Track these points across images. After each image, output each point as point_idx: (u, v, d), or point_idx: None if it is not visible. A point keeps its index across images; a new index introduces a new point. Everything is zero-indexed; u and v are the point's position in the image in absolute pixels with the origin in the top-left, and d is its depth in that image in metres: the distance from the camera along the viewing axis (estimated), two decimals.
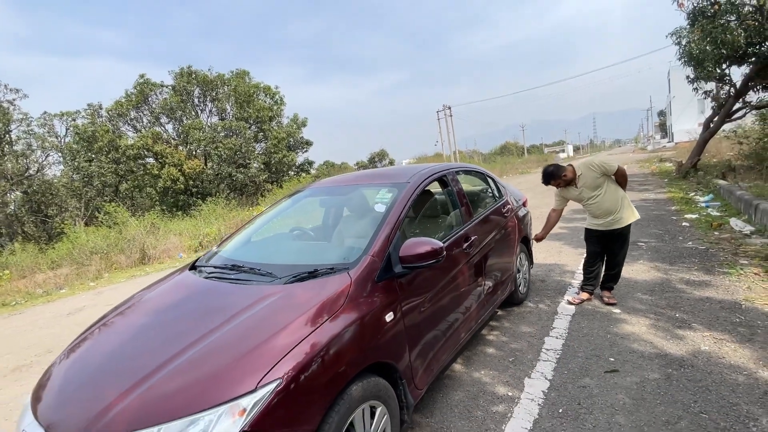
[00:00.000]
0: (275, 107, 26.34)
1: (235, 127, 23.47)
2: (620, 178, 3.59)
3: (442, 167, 3.04)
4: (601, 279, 3.85)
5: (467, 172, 3.47)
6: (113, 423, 1.31)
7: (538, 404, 2.38)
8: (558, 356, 2.91)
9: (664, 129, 60.75)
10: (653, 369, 2.59)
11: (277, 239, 2.88)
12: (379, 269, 1.95)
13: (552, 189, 3.84)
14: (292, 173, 26.91)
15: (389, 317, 1.90)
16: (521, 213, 4.06)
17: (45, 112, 21.84)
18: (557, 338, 3.16)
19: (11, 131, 19.27)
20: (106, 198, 21.08)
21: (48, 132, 21.34)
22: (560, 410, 2.30)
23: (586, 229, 3.82)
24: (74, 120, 22.95)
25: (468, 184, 3.31)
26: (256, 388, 1.36)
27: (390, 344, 1.89)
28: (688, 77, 11.92)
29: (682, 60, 10.82)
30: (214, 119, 25.56)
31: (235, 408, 1.32)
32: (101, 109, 23.43)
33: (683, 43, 10.53)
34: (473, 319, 2.81)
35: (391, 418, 1.89)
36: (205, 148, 22.35)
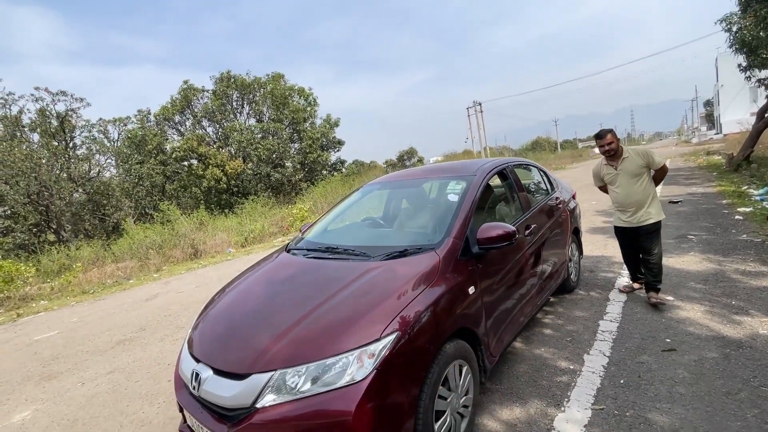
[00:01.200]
0: (309, 108, 27.12)
1: (272, 128, 24.41)
2: (660, 174, 3.61)
3: (502, 161, 3.29)
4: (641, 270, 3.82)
5: (524, 166, 3.69)
6: (272, 360, 1.68)
7: (600, 376, 2.60)
8: (614, 337, 3.10)
9: (711, 120, 57.27)
10: (711, 349, 2.74)
11: (354, 227, 3.24)
12: (461, 249, 2.25)
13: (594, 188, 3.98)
14: (326, 172, 27.63)
15: (471, 290, 2.19)
16: (572, 205, 4.23)
17: (101, 119, 23.64)
18: (612, 321, 3.33)
19: (75, 137, 21.00)
20: (154, 198, 22.55)
21: (105, 137, 23.07)
22: (621, 381, 2.51)
23: (615, 228, 3.82)
24: (125, 125, 24.67)
25: (523, 178, 3.53)
26: (380, 337, 1.69)
27: (472, 313, 2.18)
28: (740, 65, 11.40)
29: (734, 47, 10.40)
30: (252, 121, 26.67)
31: (364, 353, 1.66)
32: (150, 114, 25.03)
33: (734, 29, 10.13)
34: (534, 300, 3.06)
35: (474, 377, 2.18)
36: (245, 150, 23.40)
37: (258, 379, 1.65)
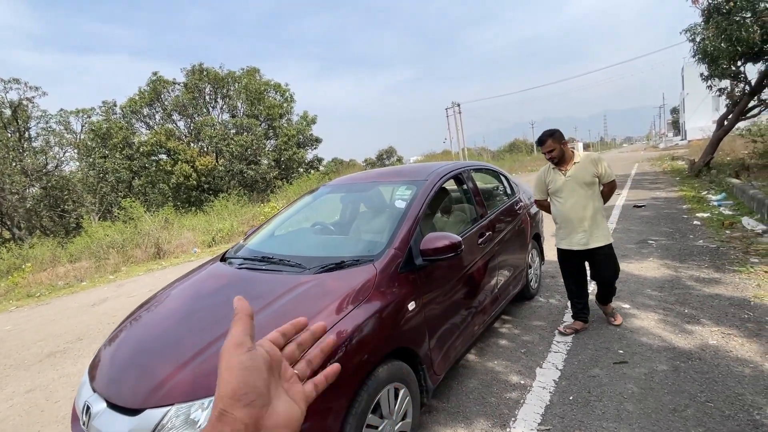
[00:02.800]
0: (285, 105, 26.56)
1: (246, 124, 23.75)
2: (609, 191, 3.09)
3: (458, 165, 3.15)
4: (589, 303, 3.31)
5: (481, 170, 3.58)
6: (169, 393, 1.47)
7: (550, 392, 2.50)
8: (568, 348, 3.02)
9: (677, 126, 59.85)
10: (661, 361, 2.69)
11: (301, 233, 3.03)
12: (402, 261, 2.09)
13: None
14: (302, 170, 27.16)
15: (411, 306, 2.03)
16: (533, 210, 4.15)
17: (61, 110, 22.35)
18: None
19: (30, 128, 19.77)
20: (120, 194, 21.54)
21: (65, 129, 21.84)
22: (571, 397, 2.42)
23: (560, 251, 3.21)
24: (89, 117, 23.45)
25: (482, 182, 3.42)
26: None
27: (412, 331, 2.02)
28: (702, 74, 11.80)
29: (697, 57, 10.74)
30: (225, 116, 25.89)
31: None
32: (116, 106, 23.88)
33: (698, 40, 10.45)
34: (487, 311, 2.93)
35: (413, 400, 2.03)
36: (217, 145, 22.67)
37: (151, 416, 1.43)
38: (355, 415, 1.62)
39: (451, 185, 3.17)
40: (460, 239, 2.18)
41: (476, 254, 2.78)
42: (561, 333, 3.21)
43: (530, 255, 3.93)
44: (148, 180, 22.65)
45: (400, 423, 1.94)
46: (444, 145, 43.29)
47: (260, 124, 24.95)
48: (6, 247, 12.89)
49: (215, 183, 22.57)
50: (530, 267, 3.95)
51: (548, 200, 3.25)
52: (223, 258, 2.65)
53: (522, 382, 2.64)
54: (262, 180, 23.80)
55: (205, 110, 25.33)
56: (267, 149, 25.27)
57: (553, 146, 2.97)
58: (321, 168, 29.51)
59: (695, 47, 10.59)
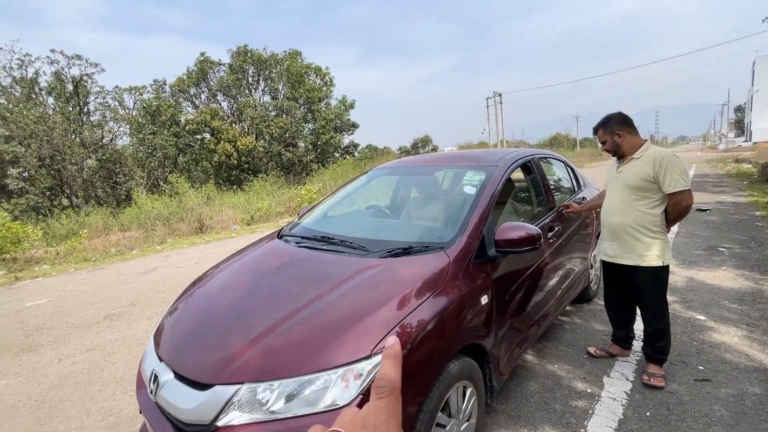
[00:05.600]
0: (325, 88, 26.59)
1: (286, 106, 24.02)
2: (674, 206, 2.35)
3: (528, 152, 2.92)
4: (634, 331, 2.81)
5: (548, 159, 3.31)
6: (240, 371, 1.40)
7: (622, 404, 2.28)
8: (638, 358, 2.77)
9: (740, 127, 54.95)
10: (753, 383, 2.39)
11: (357, 215, 2.93)
12: (475, 251, 1.93)
13: None
14: (338, 155, 27.26)
15: (484, 300, 1.87)
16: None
17: (116, 86, 23.48)
18: (636, 339, 2.99)
19: (89, 102, 20.92)
20: (166, 169, 22.51)
21: (119, 105, 22.95)
22: (647, 414, 2.19)
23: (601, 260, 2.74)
24: (141, 94, 24.50)
25: (549, 173, 3.16)
26: (371, 354, 1.39)
27: (483, 327, 1.87)
28: None
29: None
30: (267, 98, 26.29)
31: (350, 372, 1.37)
32: (165, 84, 24.79)
33: None
34: (551, 311, 2.73)
35: (478, 400, 1.89)
36: (258, 126, 23.11)
37: (221, 392, 1.38)
38: (426, 412, 1.51)
39: (517, 174, 2.95)
40: (540, 231, 1.99)
41: (545, 249, 2.56)
42: (591, 355, 2.79)
43: (593, 254, 3.66)
44: (193, 157, 23.51)
45: (466, 424, 1.81)
46: (482, 135, 42.08)
47: (299, 107, 25.16)
48: (65, 213, 13.81)
49: (254, 163, 23.09)
50: (592, 267, 3.67)
51: None
52: (280, 235, 2.59)
53: (589, 390, 2.43)
54: (299, 162, 24.12)
55: (247, 91, 25.82)
56: (305, 132, 25.51)
57: (605, 137, 2.47)
58: (356, 154, 29.50)
59: None
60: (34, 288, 5.89)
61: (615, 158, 2.59)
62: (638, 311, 2.62)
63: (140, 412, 1.79)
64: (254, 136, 23.86)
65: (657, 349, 2.49)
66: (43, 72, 18.86)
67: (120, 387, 2.78)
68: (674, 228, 6.25)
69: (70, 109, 19.52)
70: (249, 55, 24.75)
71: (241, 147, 22.11)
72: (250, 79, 26.05)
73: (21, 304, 5.03)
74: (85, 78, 19.81)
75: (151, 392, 1.59)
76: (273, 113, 24.41)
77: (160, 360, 1.66)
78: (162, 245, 9.74)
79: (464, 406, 1.78)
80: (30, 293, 5.57)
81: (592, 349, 2.86)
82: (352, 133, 28.64)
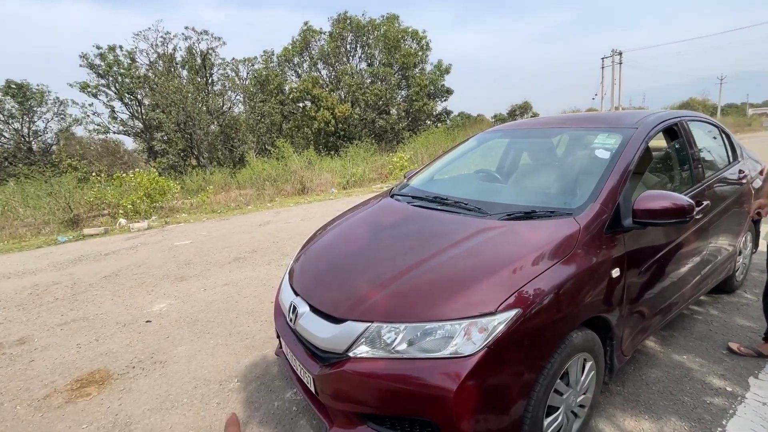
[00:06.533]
0: (420, 53, 25.96)
1: (382, 72, 24.12)
2: None
3: (674, 114, 2.52)
4: None
5: (699, 121, 2.81)
6: (370, 310, 1.53)
7: None
8: None
9: None
10: None
11: (466, 179, 2.88)
12: (609, 219, 1.76)
13: None
14: (430, 122, 26.82)
15: (615, 273, 1.73)
16: (757, 183, 3.19)
17: (233, 58, 26.07)
18: None
19: (213, 74, 23.68)
20: (273, 135, 24.70)
21: (236, 75, 25.56)
22: None
23: None
24: (253, 65, 26.85)
25: (698, 139, 2.68)
26: (495, 311, 1.40)
27: (610, 301, 1.74)
28: None
29: None
30: (363, 65, 26.68)
31: (474, 325, 1.40)
32: (273, 55, 26.71)
33: None
34: (686, 295, 2.42)
35: (597, 375, 1.80)
36: (354, 94, 23.75)
37: (353, 327, 1.53)
38: (547, 376, 1.48)
39: (657, 141, 2.57)
40: (692, 203, 1.73)
41: (689, 227, 2.23)
42: (732, 351, 2.45)
43: (743, 239, 3.09)
44: (295, 124, 25.31)
45: (582, 396, 1.74)
46: (593, 101, 37.26)
47: (394, 74, 25.06)
48: (195, 171, 16.21)
49: (349, 131, 23.98)
50: (740, 254, 3.12)
51: None
52: (391, 195, 2.68)
53: (729, 389, 2.14)
54: (391, 130, 24.36)
55: (345, 59, 26.49)
56: (398, 99, 25.48)
57: None
58: (448, 122, 28.66)
59: None
60: (179, 231, 7.12)
61: None
62: None
63: (277, 337, 2.10)
64: (350, 103, 24.64)
65: None
66: (179, 47, 21.76)
67: (252, 317, 3.28)
68: None
69: (199, 80, 22.33)
70: (348, 21, 25.15)
71: (338, 114, 23.06)
72: (348, 46, 26.60)
73: (172, 243, 6.14)
74: (210, 51, 22.32)
75: (290, 320, 1.84)
76: (368, 80, 24.77)
77: (296, 294, 1.90)
78: (272, 203, 10.87)
79: (583, 378, 1.71)
80: (176, 235, 6.76)
81: (734, 346, 2.48)
82: (445, 100, 27.79)
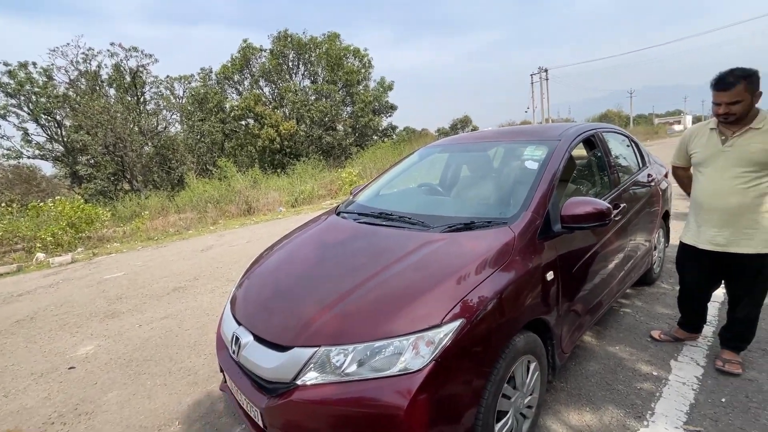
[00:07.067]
0: (363, 70, 26.48)
1: (326, 90, 24.21)
2: None
3: (591, 126, 2.78)
4: (705, 319, 2.62)
5: (611, 133, 3.13)
6: (317, 334, 1.49)
7: (693, 389, 2.18)
8: (709, 343, 2.62)
9: None
10: None
11: (410, 193, 2.94)
12: (540, 226, 1.89)
13: None
14: (376, 137, 27.26)
15: (549, 276, 1.84)
16: (663, 185, 3.61)
17: (168, 76, 24.80)
18: (706, 324, 2.82)
19: (145, 92, 22.30)
20: (214, 154, 23.65)
21: (171, 94, 24.25)
22: (723, 400, 2.08)
23: (681, 245, 2.48)
24: (190, 83, 25.69)
25: (612, 148, 2.99)
26: (441, 323, 1.43)
27: (547, 303, 1.85)
28: None
29: None
30: (306, 82, 26.62)
31: (421, 339, 1.41)
32: (211, 72, 25.78)
33: None
34: (613, 291, 2.64)
35: (541, 376, 1.88)
36: (299, 111, 23.54)
37: (300, 354, 1.47)
38: (494, 382, 1.53)
39: (578, 150, 2.82)
40: (610, 206, 1.91)
41: (610, 228, 2.45)
42: (654, 339, 2.68)
43: (657, 235, 3.45)
44: (238, 143, 24.48)
45: (529, 397, 1.82)
46: (525, 114, 40.22)
47: (338, 91, 25.28)
48: (128, 196, 14.99)
49: (296, 147, 23.65)
50: (655, 248, 3.48)
51: (690, 172, 2.48)
52: (337, 212, 2.66)
53: (655, 373, 2.34)
54: (338, 146, 24.40)
55: (288, 76, 26.26)
56: (344, 116, 25.67)
57: (742, 96, 1.98)
58: (394, 136, 29.34)
59: None
60: (110, 263, 6.50)
61: (703, 127, 2.29)
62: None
63: (221, 371, 1.96)
64: (295, 120, 24.36)
65: (739, 336, 2.36)
66: (105, 65, 20.27)
67: (194, 351, 3.04)
68: None
69: (129, 99, 20.90)
70: (289, 39, 25.06)
71: (283, 131, 22.68)
72: (290, 63, 26.43)
73: (101, 276, 5.58)
74: (141, 69, 21.05)
75: (233, 352, 1.73)
76: (313, 97, 24.73)
77: (239, 324, 1.80)
78: (215, 225, 10.32)
79: (528, 380, 1.79)
80: (107, 267, 6.16)
81: (655, 334, 2.73)
82: (390, 116, 28.47)
